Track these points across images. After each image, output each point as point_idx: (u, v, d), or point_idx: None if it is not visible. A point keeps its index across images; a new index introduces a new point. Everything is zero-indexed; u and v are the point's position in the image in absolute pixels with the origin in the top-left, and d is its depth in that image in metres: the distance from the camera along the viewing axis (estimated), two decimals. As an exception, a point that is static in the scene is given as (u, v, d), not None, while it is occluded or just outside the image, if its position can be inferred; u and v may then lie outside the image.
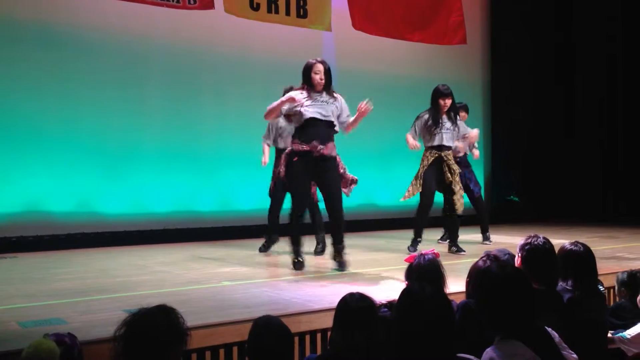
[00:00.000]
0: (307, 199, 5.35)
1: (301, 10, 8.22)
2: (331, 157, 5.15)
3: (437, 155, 6.29)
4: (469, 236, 7.46)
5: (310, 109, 5.13)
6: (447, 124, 6.35)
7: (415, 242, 6.32)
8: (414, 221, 6.45)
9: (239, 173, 8.20)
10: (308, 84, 5.20)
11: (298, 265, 5.22)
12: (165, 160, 7.70)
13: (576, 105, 11.30)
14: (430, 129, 6.31)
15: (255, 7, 7.87)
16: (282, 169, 5.25)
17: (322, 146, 5.08)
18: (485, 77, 10.87)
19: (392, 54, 9.45)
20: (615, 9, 10.83)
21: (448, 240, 6.57)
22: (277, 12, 8.03)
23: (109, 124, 7.35)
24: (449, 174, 6.28)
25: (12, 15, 6.87)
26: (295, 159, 5.12)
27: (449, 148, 6.37)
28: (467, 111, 7.50)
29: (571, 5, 11.30)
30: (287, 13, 8.12)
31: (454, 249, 6.33)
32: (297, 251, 5.27)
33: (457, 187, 6.34)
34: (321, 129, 5.14)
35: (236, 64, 8.27)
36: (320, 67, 5.18)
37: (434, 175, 6.28)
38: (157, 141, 7.67)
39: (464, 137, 6.77)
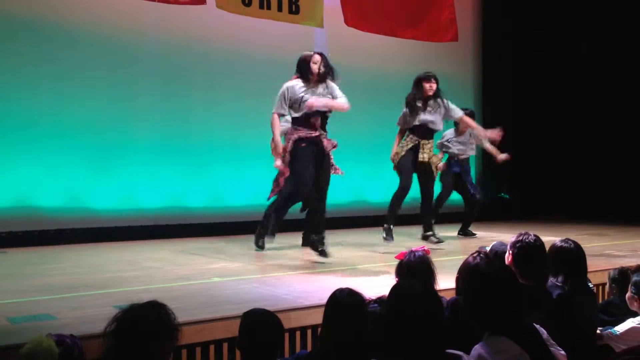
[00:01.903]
0: (312, 180, 5.31)
1: (293, 6, 8.20)
2: (328, 154, 5.33)
3: (416, 142, 6.45)
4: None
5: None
6: (429, 102, 6.50)
7: (390, 231, 6.38)
8: (392, 203, 6.51)
9: (230, 169, 8.19)
10: (305, 74, 5.32)
11: (326, 253, 5.21)
12: (156, 156, 7.67)
13: (566, 104, 11.34)
14: (413, 111, 6.47)
15: (247, 3, 7.83)
16: (287, 149, 5.30)
17: (325, 138, 5.30)
18: (476, 74, 10.89)
19: (384, 50, 9.45)
20: (608, 5, 10.86)
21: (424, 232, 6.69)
22: (269, 7, 8.00)
23: (100, 119, 7.31)
24: (422, 155, 6.45)
25: (2, 10, 6.82)
26: (303, 144, 5.24)
27: (430, 132, 6.51)
28: (473, 117, 7.60)
29: (562, 2, 11.33)
30: (279, 9, 8.09)
31: (434, 239, 6.53)
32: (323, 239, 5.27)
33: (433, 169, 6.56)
34: (321, 121, 5.33)
35: (228, 59, 8.25)
36: (318, 58, 5.35)
37: (412, 162, 6.46)
38: (147, 136, 7.64)
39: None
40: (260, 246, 6.19)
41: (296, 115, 5.36)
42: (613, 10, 10.80)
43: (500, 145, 7.84)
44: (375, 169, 9.15)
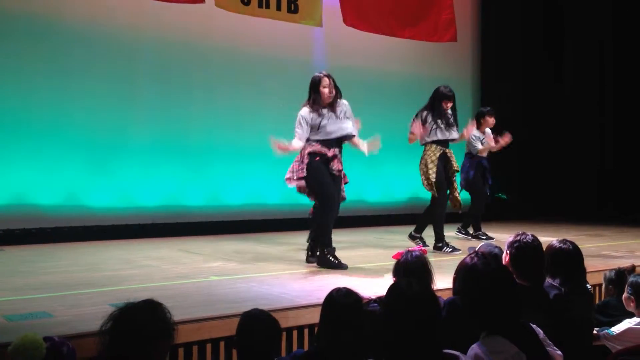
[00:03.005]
0: (335, 191, 5.28)
1: (292, 6, 8.19)
2: (338, 176, 5.33)
3: (442, 151, 6.37)
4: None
5: (329, 128, 5.27)
6: (449, 119, 6.44)
7: (443, 241, 6.31)
8: (436, 221, 6.35)
9: (228, 168, 8.19)
10: (316, 99, 5.27)
11: (343, 265, 5.16)
12: (154, 154, 7.67)
13: (566, 105, 11.35)
14: (432, 125, 6.36)
15: (246, 2, 7.82)
16: (303, 166, 5.24)
17: (338, 157, 5.31)
18: (475, 74, 10.90)
19: (382, 50, 9.45)
20: (606, 9, 10.88)
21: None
22: (267, 7, 7.99)
23: (98, 117, 7.31)
24: (451, 170, 6.43)
25: (0, 7, 6.81)
26: (317, 158, 5.24)
27: (447, 143, 6.46)
28: (495, 116, 7.69)
29: (561, 4, 11.35)
30: (278, 8, 8.08)
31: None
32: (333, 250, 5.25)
33: (455, 184, 6.50)
34: (335, 142, 5.33)
35: (226, 58, 8.25)
36: (327, 81, 5.28)
37: (443, 172, 6.39)
38: (146, 135, 7.64)
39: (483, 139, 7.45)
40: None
41: (316, 137, 5.30)
42: (611, 12, 10.82)
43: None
44: (374, 168, 9.16)
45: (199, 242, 7.01)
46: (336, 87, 5.34)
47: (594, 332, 3.31)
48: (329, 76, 5.34)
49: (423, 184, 6.38)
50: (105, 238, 7.05)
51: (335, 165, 5.27)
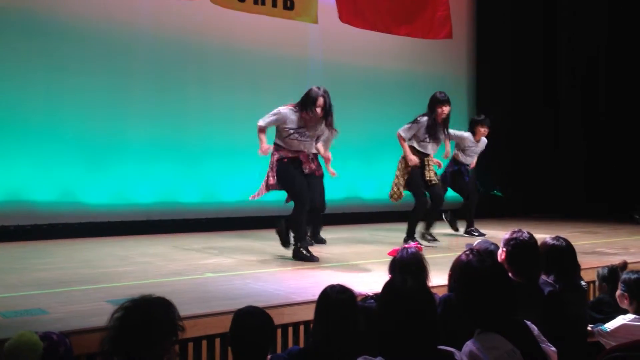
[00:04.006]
0: (306, 187, 5.34)
1: (288, 2, 8.19)
2: (311, 174, 5.42)
3: (420, 157, 6.46)
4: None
5: (295, 143, 5.34)
6: (439, 135, 6.50)
7: (412, 237, 6.35)
8: (411, 219, 6.44)
9: (223, 164, 8.18)
10: (306, 114, 5.27)
11: (314, 257, 5.28)
12: (149, 151, 7.66)
13: (560, 102, 11.37)
14: (424, 137, 6.44)
15: (241, -1, 7.83)
16: (273, 174, 5.35)
17: (310, 157, 5.45)
18: (470, 72, 10.91)
19: (378, 47, 9.45)
20: (601, 7, 10.91)
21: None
22: (263, 3, 8.00)
23: (93, 113, 7.29)
24: (429, 173, 6.49)
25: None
26: (285, 160, 5.34)
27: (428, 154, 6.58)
28: (488, 126, 7.57)
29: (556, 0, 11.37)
30: (274, 5, 8.09)
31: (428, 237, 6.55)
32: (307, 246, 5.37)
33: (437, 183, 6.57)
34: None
35: (222, 55, 8.23)
36: (321, 102, 5.25)
37: (420, 175, 6.46)
38: (141, 131, 7.62)
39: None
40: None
41: (280, 142, 5.40)
42: (607, 9, 10.85)
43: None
44: (370, 165, 9.17)
45: (194, 238, 7.00)
46: (328, 109, 5.29)
47: (588, 328, 3.33)
48: (325, 97, 5.27)
49: (393, 184, 6.49)
50: (100, 235, 7.04)
51: (306, 166, 5.36)
